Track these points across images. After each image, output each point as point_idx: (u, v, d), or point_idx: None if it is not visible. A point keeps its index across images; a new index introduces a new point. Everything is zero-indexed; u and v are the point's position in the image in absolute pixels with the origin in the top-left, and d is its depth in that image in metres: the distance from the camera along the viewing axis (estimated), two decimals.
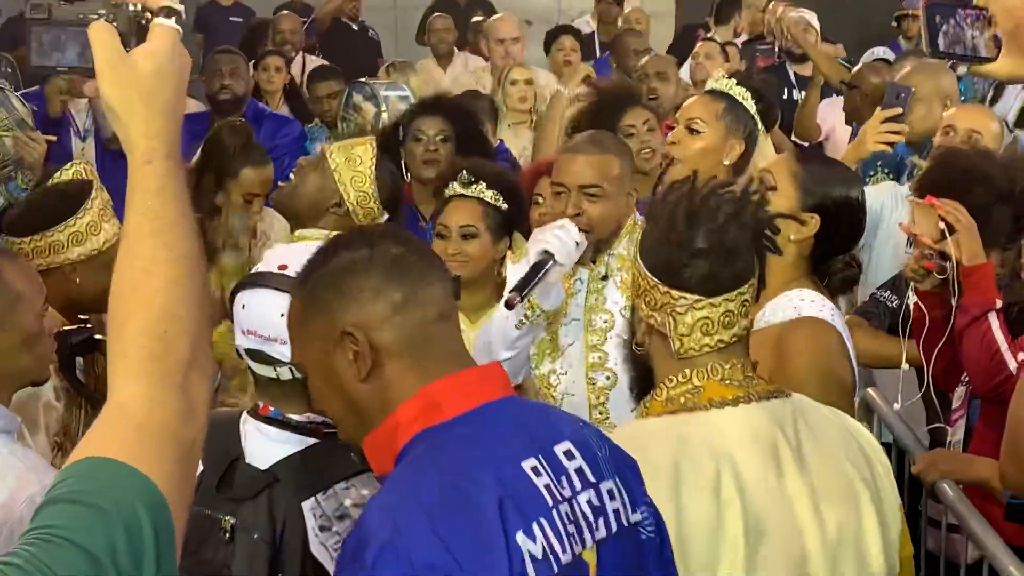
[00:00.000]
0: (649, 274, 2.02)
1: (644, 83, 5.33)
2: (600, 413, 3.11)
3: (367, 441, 1.69)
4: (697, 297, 1.99)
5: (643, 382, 2.13)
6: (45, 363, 2.24)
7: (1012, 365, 3.02)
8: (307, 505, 2.13)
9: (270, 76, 6.50)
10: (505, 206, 3.30)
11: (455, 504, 1.56)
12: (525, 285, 2.82)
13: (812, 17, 7.48)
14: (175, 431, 1.25)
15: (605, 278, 3.16)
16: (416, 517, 1.53)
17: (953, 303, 3.16)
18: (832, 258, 2.72)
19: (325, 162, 3.53)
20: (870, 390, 3.73)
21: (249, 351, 2.18)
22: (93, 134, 5.52)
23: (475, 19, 8.14)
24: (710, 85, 3.65)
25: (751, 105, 3.50)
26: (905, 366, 3.33)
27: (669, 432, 1.98)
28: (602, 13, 8.64)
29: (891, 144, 3.87)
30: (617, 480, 1.72)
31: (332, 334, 1.67)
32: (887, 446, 3.42)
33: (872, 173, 4.61)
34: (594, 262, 3.17)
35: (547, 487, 1.61)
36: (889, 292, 3.76)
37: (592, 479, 1.68)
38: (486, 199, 3.29)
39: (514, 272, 3.07)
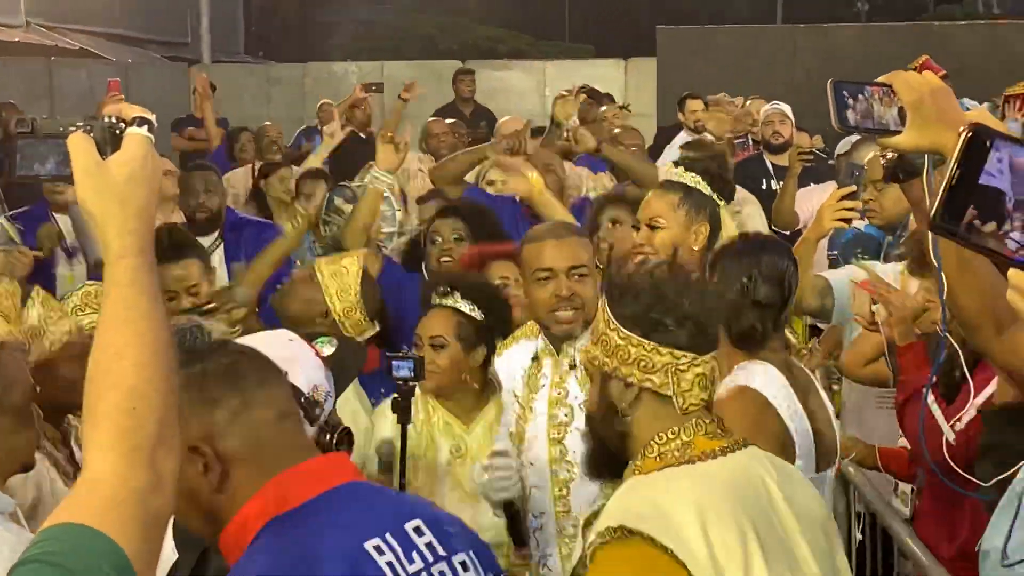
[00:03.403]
0: (645, 340, 2.13)
1: None
2: (563, 505, 3.11)
3: (221, 540, 1.76)
4: (695, 355, 2.13)
5: (600, 456, 2.22)
6: (34, 447, 2.35)
7: (950, 437, 3.10)
8: None
9: (287, 187, 6.59)
10: (481, 316, 3.34)
11: None
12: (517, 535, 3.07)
13: (787, 108, 7.69)
14: (142, 501, 1.35)
15: (573, 367, 3.11)
16: None
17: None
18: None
19: (315, 275, 3.71)
20: (847, 465, 3.84)
21: None
22: (81, 254, 5.52)
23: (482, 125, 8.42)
24: (662, 177, 3.72)
25: (705, 186, 3.55)
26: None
27: (670, 485, 2.08)
28: (582, 113, 8.85)
29: (847, 221, 3.97)
30: (471, 553, 1.83)
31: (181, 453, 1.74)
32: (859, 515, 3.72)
33: (858, 255, 4.73)
34: (558, 352, 3.17)
35: (389, 564, 1.72)
36: None
37: (443, 552, 1.79)
38: (461, 309, 3.33)
39: (501, 367, 3.21)
